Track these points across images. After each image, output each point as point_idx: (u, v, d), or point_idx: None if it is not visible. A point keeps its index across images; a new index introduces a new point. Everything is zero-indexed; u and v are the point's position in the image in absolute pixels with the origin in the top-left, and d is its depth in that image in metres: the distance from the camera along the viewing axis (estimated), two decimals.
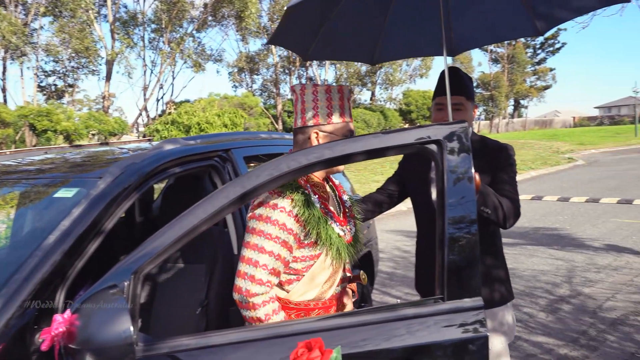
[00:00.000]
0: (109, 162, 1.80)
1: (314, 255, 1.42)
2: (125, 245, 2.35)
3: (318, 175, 1.52)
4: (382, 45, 2.23)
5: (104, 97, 25.07)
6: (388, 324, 1.15)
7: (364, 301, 2.92)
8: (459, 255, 1.17)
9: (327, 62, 30.11)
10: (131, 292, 1.10)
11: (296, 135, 1.53)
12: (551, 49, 41.05)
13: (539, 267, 5.01)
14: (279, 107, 28.15)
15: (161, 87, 26.96)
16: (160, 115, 23.94)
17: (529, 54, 40.85)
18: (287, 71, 30.95)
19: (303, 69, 30.98)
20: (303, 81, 30.93)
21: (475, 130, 2.07)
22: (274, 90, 30.22)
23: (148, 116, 26.46)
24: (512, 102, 43.86)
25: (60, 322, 1.05)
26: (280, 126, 26.67)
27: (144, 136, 21.18)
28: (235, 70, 30.59)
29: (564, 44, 41.16)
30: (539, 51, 41.47)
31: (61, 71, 25.06)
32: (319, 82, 30.39)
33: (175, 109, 22.32)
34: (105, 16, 24.60)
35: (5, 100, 21.90)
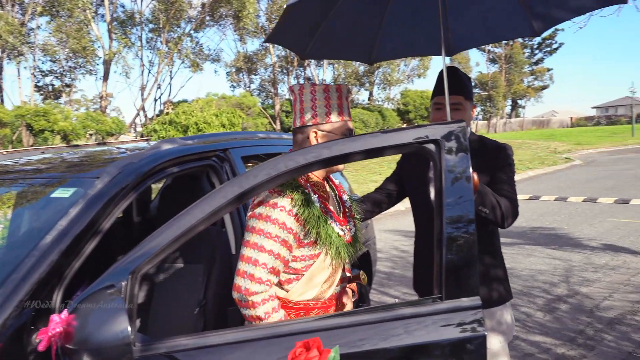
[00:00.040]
0: (107, 162, 1.80)
1: (313, 255, 1.42)
2: (122, 245, 2.35)
3: (318, 175, 1.52)
4: (379, 44, 2.23)
5: (101, 97, 25.02)
6: (386, 323, 1.15)
7: (362, 301, 2.92)
8: (457, 254, 1.17)
9: (325, 62, 30.12)
10: (129, 292, 1.10)
11: (295, 135, 1.53)
12: (548, 49, 41.18)
13: (536, 266, 5.02)
14: (277, 107, 28.14)
15: (159, 87, 26.93)
16: (157, 115, 23.91)
17: (526, 54, 40.96)
18: (285, 71, 30.94)
19: (301, 69, 30.97)
20: (301, 81, 30.93)
21: (473, 130, 2.07)
22: (272, 90, 30.21)
23: (146, 116, 26.42)
24: (509, 102, 43.96)
25: (58, 322, 1.05)
26: (278, 126, 26.66)
27: (141, 136, 21.15)
28: (233, 70, 30.57)
29: (561, 44, 41.30)
30: (537, 51, 41.59)
31: (58, 71, 25.00)
32: (317, 82, 30.42)
33: (173, 109, 22.30)
34: (103, 16, 24.56)
35: (2, 100, 21.82)
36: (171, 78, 32.33)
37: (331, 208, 1.51)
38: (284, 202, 1.37)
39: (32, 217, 1.68)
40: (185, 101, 24.58)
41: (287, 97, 30.41)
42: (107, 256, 2.05)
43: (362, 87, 31.96)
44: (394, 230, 7.00)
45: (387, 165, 13.44)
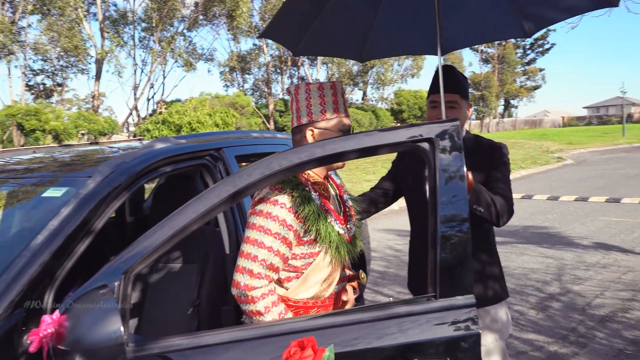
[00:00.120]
0: (99, 161, 1.78)
1: (313, 253, 1.42)
2: (115, 245, 2.33)
3: (318, 173, 1.52)
4: (371, 42, 2.24)
5: (93, 97, 24.84)
6: (380, 322, 1.15)
7: (356, 300, 2.92)
8: (451, 253, 1.17)
9: (319, 61, 30.12)
10: (121, 292, 1.09)
11: (294, 135, 1.54)
12: (541, 49, 41.46)
13: (529, 265, 5.06)
14: (271, 106, 28.10)
15: (152, 87, 26.79)
16: (151, 115, 23.77)
17: (519, 55, 41.23)
18: (278, 71, 30.91)
19: (295, 68, 30.96)
20: (295, 81, 30.91)
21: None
22: (266, 90, 30.16)
23: (138, 116, 26.26)
24: (502, 102, 44.22)
25: (49, 323, 1.04)
26: (271, 125, 26.63)
27: (134, 136, 21.02)
28: (227, 69, 30.48)
29: (553, 44, 41.61)
30: (529, 51, 41.87)
31: (50, 70, 24.78)
32: (311, 82, 30.45)
33: (166, 108, 22.19)
34: (95, 14, 24.38)
35: None
36: (164, 77, 32.11)
37: (331, 207, 1.51)
38: (285, 199, 1.37)
39: (23, 217, 1.66)
40: (178, 100, 24.46)
41: (280, 96, 30.39)
42: (99, 256, 2.03)
43: (355, 86, 32.01)
44: (388, 229, 7.02)
45: (380, 165, 13.47)
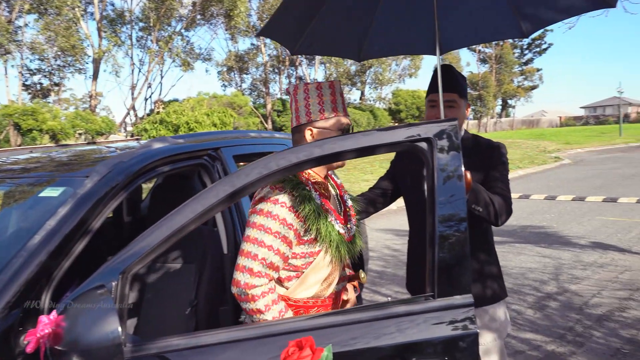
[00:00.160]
0: (96, 160, 1.78)
1: (313, 252, 1.43)
2: (112, 245, 2.33)
3: (319, 173, 1.52)
4: (369, 42, 2.24)
5: (90, 96, 24.78)
6: (379, 322, 1.15)
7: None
8: (449, 252, 1.17)
9: (317, 61, 30.12)
10: (119, 293, 1.09)
11: (293, 135, 1.54)
12: (538, 49, 41.56)
13: (526, 264, 5.07)
14: (269, 106, 28.08)
15: (149, 86, 26.73)
16: (148, 115, 23.73)
17: (516, 55, 41.31)
18: (276, 70, 30.89)
19: (292, 68, 30.96)
20: (293, 80, 30.92)
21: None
22: (264, 90, 30.14)
23: (136, 115, 26.20)
24: (500, 101, 44.31)
25: (46, 323, 1.03)
26: (269, 125, 26.61)
27: (132, 135, 20.96)
28: (225, 69, 30.44)
29: (550, 44, 41.77)
30: (526, 52, 41.97)
31: (47, 70, 24.70)
32: (309, 82, 30.43)
33: (163, 108, 22.15)
34: (92, 14, 24.31)
35: None
36: (162, 77, 32.15)
37: (332, 206, 1.51)
38: (285, 198, 1.37)
39: (20, 217, 1.65)
40: (176, 100, 24.42)
41: (278, 96, 30.37)
42: (97, 256, 2.03)
43: (353, 86, 32.01)
44: (386, 229, 7.02)
45: (378, 165, 13.48)
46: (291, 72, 31.24)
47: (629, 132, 28.28)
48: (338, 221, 1.49)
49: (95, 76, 24.17)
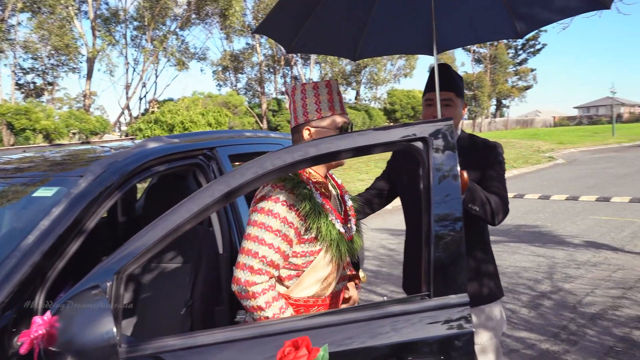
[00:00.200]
0: (90, 160, 1.77)
1: (314, 251, 1.43)
2: (107, 245, 2.31)
3: (319, 172, 1.53)
4: (364, 41, 2.24)
5: (84, 96, 24.63)
6: (375, 321, 1.15)
7: None
8: (445, 252, 1.18)
9: (312, 61, 30.11)
10: (114, 293, 1.08)
11: (292, 135, 1.55)
12: (532, 49, 41.81)
13: (521, 264, 5.10)
14: (264, 106, 28.04)
15: (144, 86, 26.61)
16: (143, 114, 23.61)
17: (510, 55, 41.53)
18: (271, 70, 30.86)
19: (288, 68, 30.93)
20: (288, 80, 30.90)
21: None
22: (259, 89, 30.10)
23: (130, 115, 26.09)
24: (494, 101, 44.52)
25: (40, 324, 1.03)
26: (264, 125, 26.58)
27: (126, 135, 20.87)
28: (220, 68, 30.37)
29: (544, 45, 41.96)
30: (520, 52, 42.19)
31: (40, 69, 24.53)
32: (307, 82, 30.42)
33: (158, 107, 22.07)
34: (86, 13, 24.17)
35: None
36: (156, 76, 31.94)
37: (332, 206, 1.52)
38: (286, 197, 1.38)
39: (14, 217, 1.64)
40: (171, 100, 24.32)
41: (273, 96, 30.33)
42: (91, 257, 2.02)
43: (349, 86, 32.04)
44: (381, 228, 7.04)
45: (373, 164, 13.50)
46: (286, 71, 31.23)
47: (622, 132, 28.52)
48: (338, 220, 1.50)
49: (89, 75, 24.03)
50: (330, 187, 1.59)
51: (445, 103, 1.79)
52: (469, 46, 32.83)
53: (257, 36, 27.87)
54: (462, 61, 56.97)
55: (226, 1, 23.67)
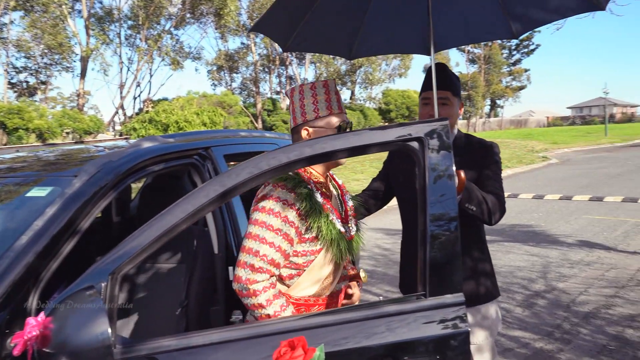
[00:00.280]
0: (85, 160, 1.76)
1: (314, 251, 1.44)
2: (101, 245, 2.30)
3: (319, 172, 1.54)
4: (360, 40, 2.24)
5: (78, 95, 24.46)
6: (371, 321, 1.15)
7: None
8: (441, 251, 1.18)
9: (307, 61, 30.09)
10: (109, 293, 1.07)
11: (292, 135, 1.57)
12: (526, 50, 42.02)
13: (515, 263, 5.13)
14: (259, 105, 27.99)
15: (138, 85, 26.48)
16: (137, 114, 23.49)
17: (504, 55, 41.72)
18: (266, 70, 30.80)
19: (283, 67, 30.89)
20: (283, 80, 30.88)
21: None
22: (254, 89, 30.03)
23: (125, 114, 25.93)
24: (488, 101, 44.71)
25: (34, 325, 1.02)
26: (259, 125, 26.53)
27: (120, 135, 20.75)
28: (214, 68, 30.28)
29: (538, 45, 42.27)
30: (515, 52, 42.40)
31: (33, 68, 24.33)
32: (299, 81, 30.28)
33: (152, 107, 21.97)
34: (80, 12, 24.00)
35: None
36: (151, 76, 31.85)
37: (333, 205, 1.53)
38: (288, 196, 1.39)
39: (7, 217, 1.62)
40: (165, 99, 24.21)
41: (268, 95, 30.29)
42: (85, 257, 2.00)
43: (343, 86, 32.03)
44: (376, 228, 7.04)
45: (369, 164, 13.51)
46: (281, 71, 31.19)
47: (614, 132, 28.76)
48: (339, 220, 1.50)
49: (83, 74, 23.87)
50: (331, 187, 1.60)
51: (442, 102, 1.79)
52: (463, 46, 32.96)
53: (252, 36, 27.84)
54: (457, 61, 57.31)
55: (221, 0, 23.60)
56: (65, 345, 0.98)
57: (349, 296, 1.61)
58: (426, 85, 1.83)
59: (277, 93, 31.22)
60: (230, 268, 1.86)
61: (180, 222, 1.13)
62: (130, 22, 25.37)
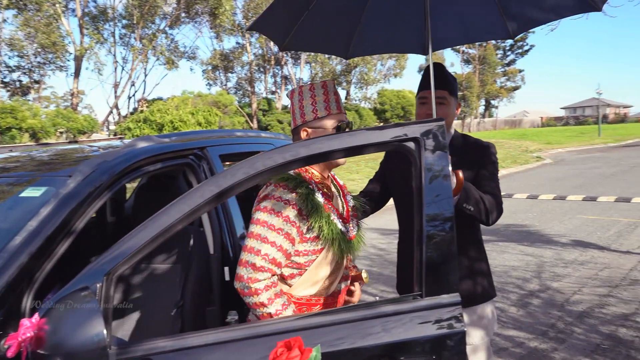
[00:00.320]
0: (79, 160, 1.74)
1: (316, 250, 1.45)
2: (96, 246, 2.29)
3: (320, 172, 1.55)
4: (357, 39, 2.24)
5: (72, 94, 24.31)
6: (368, 321, 1.15)
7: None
8: (437, 251, 1.18)
9: (302, 61, 30.08)
10: (104, 294, 1.07)
11: (293, 136, 1.58)
12: (520, 51, 42.25)
13: (510, 263, 5.15)
14: (254, 105, 27.95)
15: (133, 85, 26.36)
16: (132, 113, 23.39)
17: (499, 56, 41.92)
18: (262, 69, 30.76)
19: (278, 67, 30.86)
20: (278, 80, 30.85)
21: None
22: (249, 89, 29.98)
23: (119, 114, 25.80)
24: (483, 102, 44.90)
25: (28, 326, 1.01)
26: (255, 124, 26.49)
27: (115, 134, 20.64)
28: (210, 68, 30.19)
29: (532, 46, 42.44)
30: (509, 53, 42.62)
31: (26, 67, 24.15)
32: (294, 81, 30.21)
33: (147, 106, 21.87)
34: (74, 10, 23.85)
35: None
36: (145, 75, 31.68)
37: (334, 205, 1.54)
38: (289, 196, 1.40)
39: (0, 217, 1.61)
40: (160, 99, 24.12)
41: (264, 95, 30.24)
42: (80, 258, 1.99)
43: (339, 86, 32.05)
44: (371, 228, 7.05)
45: (364, 164, 13.53)
46: (277, 71, 31.16)
47: (608, 132, 28.99)
48: (340, 220, 1.51)
49: (76, 74, 23.73)
50: (332, 187, 1.60)
51: (439, 101, 1.80)
52: (458, 46, 33.08)
53: (247, 35, 27.80)
54: (452, 61, 57.30)
55: (216, 0, 23.54)
56: (60, 347, 0.98)
57: (350, 293, 1.63)
58: (423, 85, 1.84)
59: (273, 93, 31.19)
60: (226, 268, 1.86)
61: (176, 222, 1.13)
62: (124, 21, 25.25)
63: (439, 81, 1.79)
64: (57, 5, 21.48)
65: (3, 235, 1.37)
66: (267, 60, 29.69)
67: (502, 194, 1.80)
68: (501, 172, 13.91)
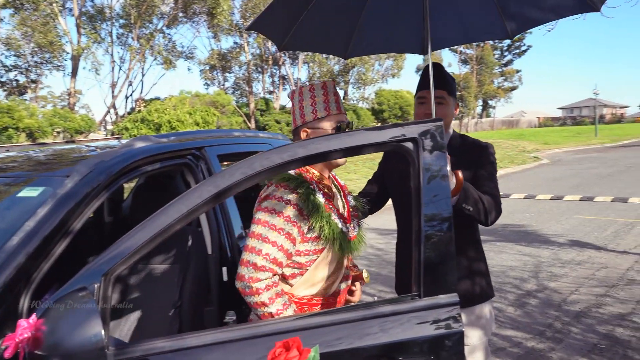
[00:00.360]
0: (76, 160, 1.74)
1: (317, 250, 1.46)
2: (94, 246, 2.28)
3: (321, 172, 1.55)
4: (356, 39, 2.24)
5: (69, 94, 24.23)
6: (367, 321, 1.16)
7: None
8: (435, 252, 1.18)
9: (300, 61, 30.07)
10: (102, 295, 1.06)
11: (293, 137, 1.59)
12: (517, 51, 42.34)
13: (507, 262, 5.16)
14: (252, 105, 27.93)
15: (130, 84, 26.29)
16: (129, 113, 23.33)
17: (496, 56, 42.01)
18: (259, 69, 30.73)
19: (276, 67, 30.84)
20: (276, 80, 30.84)
21: None
22: (247, 89, 29.95)
23: (117, 114, 25.74)
24: (480, 102, 44.99)
25: (25, 327, 1.01)
26: (252, 124, 26.47)
27: (112, 134, 20.59)
28: (207, 67, 30.14)
29: (529, 46, 42.59)
30: (506, 53, 42.70)
31: (23, 66, 24.05)
32: (292, 81, 30.17)
33: (145, 106, 21.83)
34: (71, 10, 23.77)
35: None
36: (143, 75, 31.66)
37: (335, 206, 1.54)
38: (290, 196, 1.41)
39: None
40: (157, 99, 24.06)
41: (261, 95, 30.23)
42: (77, 258, 1.98)
43: (337, 86, 32.01)
44: (369, 228, 7.04)
45: (362, 164, 13.53)
46: (274, 71, 31.13)
47: (604, 132, 29.10)
48: (341, 220, 1.52)
49: (74, 73, 23.65)
50: (333, 187, 1.61)
51: (437, 101, 1.80)
52: (456, 47, 33.11)
53: (245, 35, 27.76)
54: (449, 62, 57.52)
55: (214, 0, 23.51)
56: (58, 348, 0.97)
57: (350, 293, 1.64)
58: (422, 85, 1.84)
59: (270, 93, 31.17)
60: (224, 269, 1.86)
61: (174, 222, 1.12)
62: (122, 21, 25.18)
63: (438, 81, 1.79)
64: (54, 4, 21.41)
65: (0, 235, 1.36)
66: (264, 60, 29.66)
67: (499, 194, 1.80)
68: (498, 173, 13.81)
